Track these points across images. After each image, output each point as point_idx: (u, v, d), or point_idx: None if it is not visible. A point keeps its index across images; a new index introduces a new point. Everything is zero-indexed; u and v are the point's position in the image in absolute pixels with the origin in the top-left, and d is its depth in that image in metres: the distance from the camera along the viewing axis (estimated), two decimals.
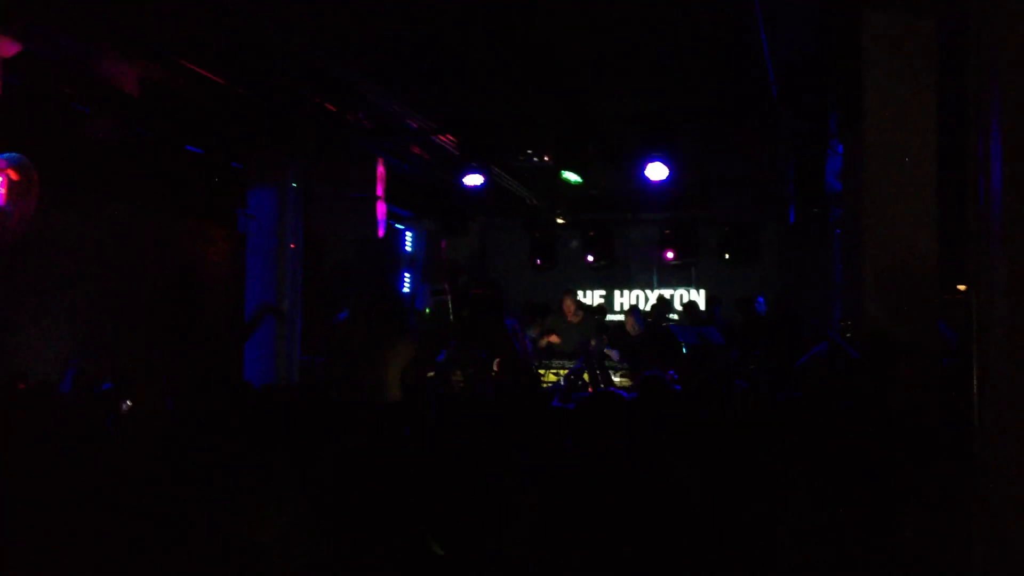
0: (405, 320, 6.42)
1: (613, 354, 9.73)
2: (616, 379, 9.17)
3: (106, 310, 7.98)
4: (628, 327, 10.65)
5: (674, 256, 13.45)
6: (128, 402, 4.79)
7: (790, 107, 8.16)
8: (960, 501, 2.30)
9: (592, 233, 13.85)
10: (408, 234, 14.00)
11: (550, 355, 9.69)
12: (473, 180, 9.20)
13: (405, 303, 8.40)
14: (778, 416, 3.63)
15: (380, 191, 9.54)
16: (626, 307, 13.48)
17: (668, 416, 4.07)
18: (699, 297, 13.75)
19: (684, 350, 9.43)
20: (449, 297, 7.88)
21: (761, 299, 11.83)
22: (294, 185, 9.23)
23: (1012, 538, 1.91)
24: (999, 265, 1.99)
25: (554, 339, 9.84)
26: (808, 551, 2.42)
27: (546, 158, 9.85)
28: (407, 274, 13.92)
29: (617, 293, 14.39)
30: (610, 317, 13.36)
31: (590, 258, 13.84)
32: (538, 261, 14.01)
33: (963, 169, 2.17)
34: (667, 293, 13.92)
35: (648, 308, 12.78)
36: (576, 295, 10.22)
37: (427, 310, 12.90)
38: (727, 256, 13.18)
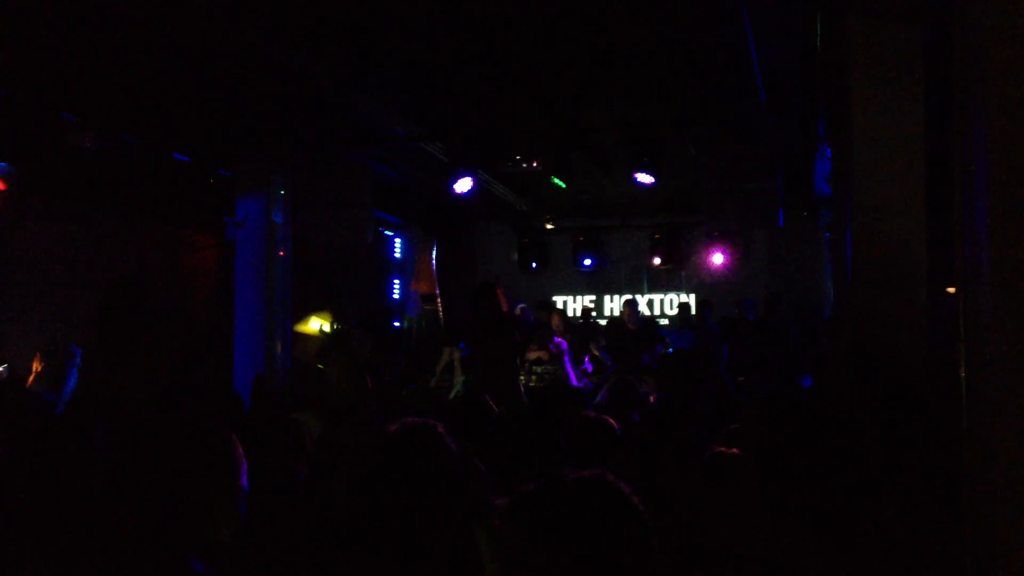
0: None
1: (604, 358, 9.79)
2: None
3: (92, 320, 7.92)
4: (625, 318, 11.18)
5: (663, 261, 13.49)
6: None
7: (778, 112, 8.17)
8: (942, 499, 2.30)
9: (582, 238, 13.87)
10: (397, 240, 13.97)
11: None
12: (462, 186, 9.25)
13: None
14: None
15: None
16: (616, 312, 13.53)
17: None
18: (690, 301, 13.76)
19: (670, 350, 9.55)
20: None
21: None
22: (283, 192, 9.18)
23: (1003, 539, 1.91)
24: (984, 267, 1.99)
25: (542, 355, 9.96)
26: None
27: (535, 164, 9.86)
28: (396, 280, 13.90)
29: (607, 298, 14.39)
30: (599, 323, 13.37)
31: (588, 261, 13.84)
32: (529, 265, 14.04)
33: (950, 172, 2.18)
34: (657, 298, 14.00)
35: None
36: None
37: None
38: (715, 260, 13.23)
